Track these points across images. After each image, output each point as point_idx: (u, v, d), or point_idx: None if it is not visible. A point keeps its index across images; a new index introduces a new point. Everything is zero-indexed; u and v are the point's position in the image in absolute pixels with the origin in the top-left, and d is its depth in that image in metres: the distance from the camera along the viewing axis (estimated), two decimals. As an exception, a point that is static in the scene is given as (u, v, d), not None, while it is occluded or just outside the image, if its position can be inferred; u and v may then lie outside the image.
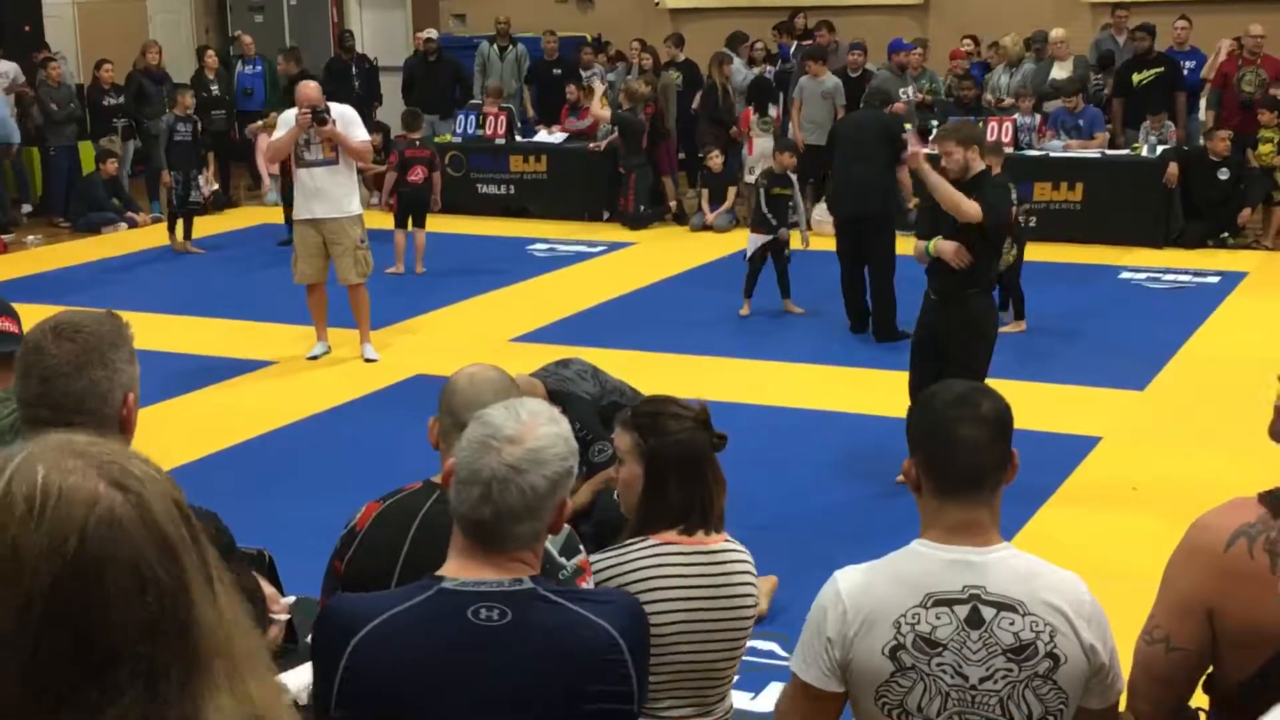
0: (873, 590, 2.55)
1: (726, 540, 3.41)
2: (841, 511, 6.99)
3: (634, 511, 3.40)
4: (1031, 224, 13.24)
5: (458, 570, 2.36)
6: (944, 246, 6.99)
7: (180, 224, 13.68)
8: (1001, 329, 10.12)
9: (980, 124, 13.83)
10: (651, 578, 3.26)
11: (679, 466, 3.35)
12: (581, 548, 3.05)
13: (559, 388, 6.45)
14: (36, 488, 1.40)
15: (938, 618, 2.49)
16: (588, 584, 2.99)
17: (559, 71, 16.75)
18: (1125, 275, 12.06)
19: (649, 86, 14.91)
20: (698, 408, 3.48)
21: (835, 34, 16.35)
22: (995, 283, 7.52)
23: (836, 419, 8.39)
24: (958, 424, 2.55)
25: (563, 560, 2.95)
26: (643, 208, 14.50)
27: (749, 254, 10.91)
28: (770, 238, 10.74)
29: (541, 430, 2.37)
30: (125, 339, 2.69)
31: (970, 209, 6.85)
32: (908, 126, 13.82)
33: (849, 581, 2.59)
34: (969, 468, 2.54)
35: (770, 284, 10.83)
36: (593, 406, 6.49)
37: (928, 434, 2.59)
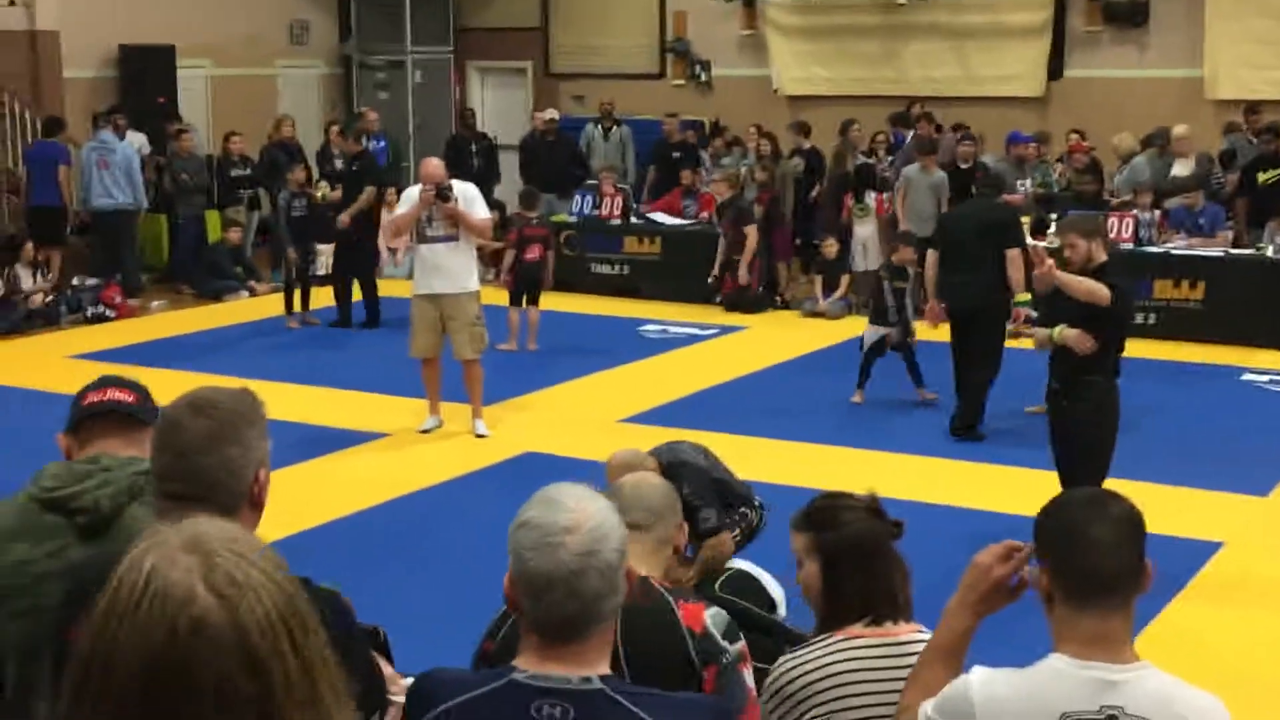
0: (1006, 703, 2.47)
1: (918, 630, 3.34)
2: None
3: (818, 610, 3.39)
4: (1151, 321, 13.05)
5: (531, 662, 2.34)
6: (1069, 334, 7.06)
7: (298, 296, 13.90)
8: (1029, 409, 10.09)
9: (1101, 218, 13.72)
10: (839, 673, 3.21)
11: (857, 558, 3.32)
12: (741, 635, 3.03)
13: (671, 458, 6.49)
14: (142, 578, 1.45)
15: (1073, 738, 2.41)
16: (748, 671, 2.98)
17: (679, 155, 16.89)
18: (1248, 377, 11.80)
19: (766, 172, 14.99)
20: (868, 498, 3.46)
21: (937, 126, 16.29)
22: (1117, 371, 7.42)
23: (950, 513, 8.26)
24: (1090, 525, 2.49)
25: (725, 644, 2.95)
26: (760, 288, 14.50)
27: (866, 345, 10.87)
28: (888, 329, 10.72)
29: (590, 509, 2.35)
30: (260, 415, 2.72)
31: (1103, 292, 7.00)
32: (1025, 219, 13.76)
33: (982, 686, 2.51)
34: (1103, 571, 2.47)
35: (883, 374, 10.76)
36: (705, 476, 6.51)
37: (1060, 536, 2.52)
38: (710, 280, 14.39)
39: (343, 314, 13.75)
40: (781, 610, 6.29)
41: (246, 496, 2.62)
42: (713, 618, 2.94)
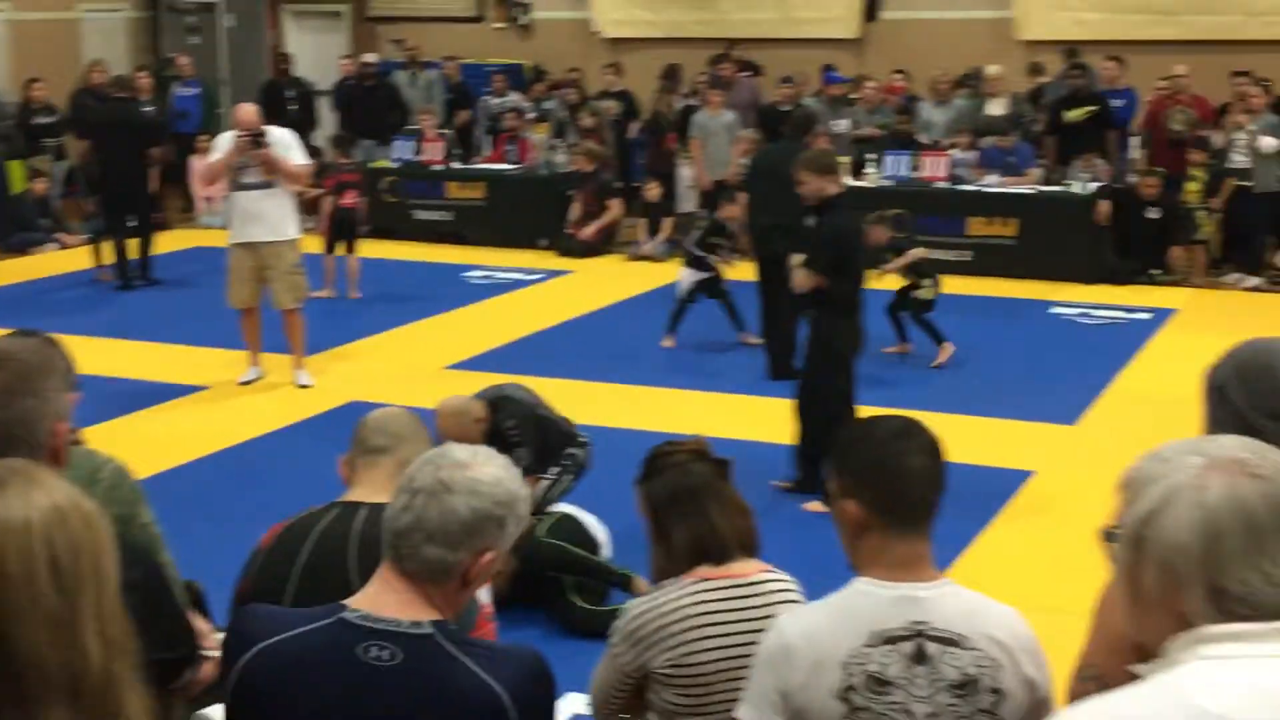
0: (819, 633, 2.53)
1: (767, 570, 3.37)
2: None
3: (653, 559, 3.40)
4: (967, 259, 13.39)
5: (365, 601, 2.32)
6: (797, 273, 7.42)
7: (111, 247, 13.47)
8: (935, 362, 10.32)
9: (914, 157, 14.04)
10: (690, 615, 3.23)
11: (680, 503, 3.34)
12: (479, 594, 2.96)
13: (495, 394, 6.56)
14: None
15: (885, 656, 2.49)
16: (485, 590, 2.90)
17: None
18: (1057, 310, 12.20)
19: (603, 145, 15.01)
20: (693, 441, 3.47)
21: (752, 68, 16.45)
22: (855, 307, 7.59)
23: (769, 449, 8.40)
24: (904, 456, 2.55)
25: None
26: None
27: (682, 291, 10.94)
28: (705, 276, 10.80)
29: (491, 468, 2.35)
30: (58, 366, 2.64)
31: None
32: (843, 160, 13.98)
33: (796, 626, 2.56)
34: (916, 498, 2.54)
35: (697, 318, 10.86)
36: (529, 411, 6.58)
37: (875, 468, 2.56)
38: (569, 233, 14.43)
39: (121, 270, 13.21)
40: (605, 551, 6.37)
41: (45, 449, 2.54)
42: None
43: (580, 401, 8.59)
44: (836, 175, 7.54)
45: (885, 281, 10.32)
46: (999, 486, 7.73)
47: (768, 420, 9.05)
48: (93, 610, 1.62)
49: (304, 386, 9.72)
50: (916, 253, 10.48)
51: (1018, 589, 6.10)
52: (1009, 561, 6.81)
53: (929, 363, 10.35)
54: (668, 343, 10.86)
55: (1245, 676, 1.65)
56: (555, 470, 6.57)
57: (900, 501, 2.54)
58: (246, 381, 9.82)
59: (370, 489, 3.13)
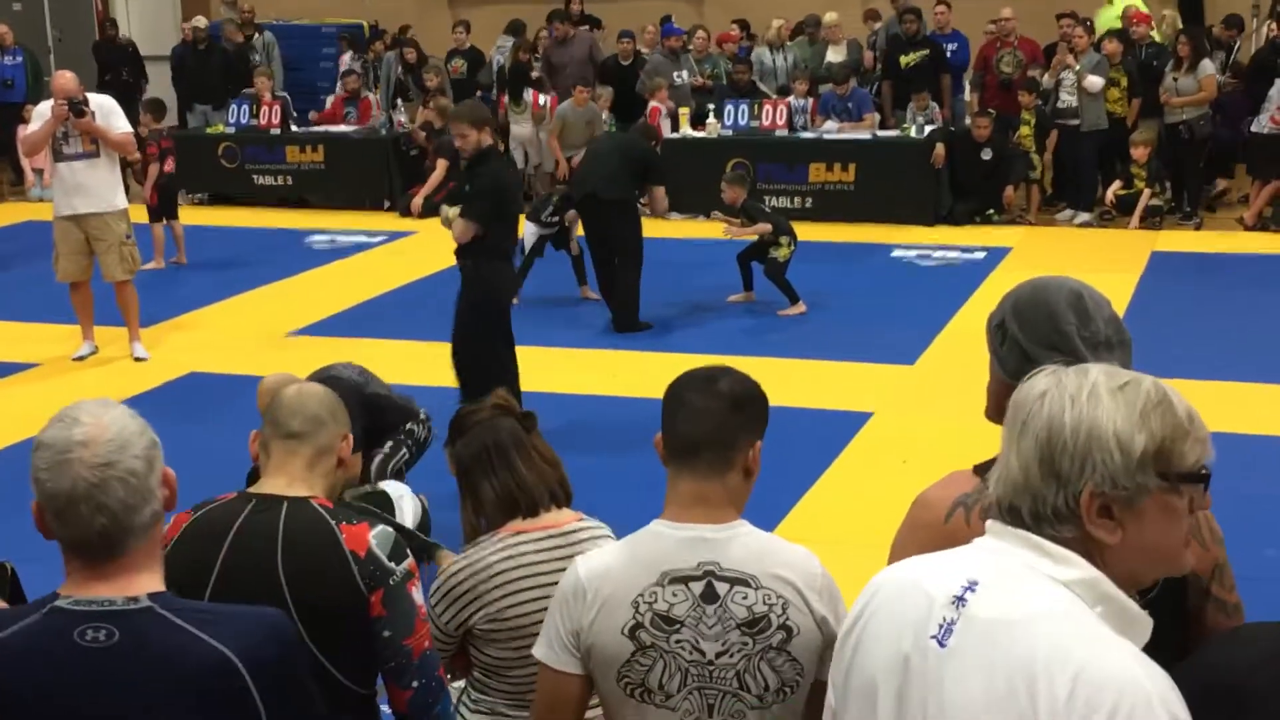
0: (611, 573, 2.58)
1: (580, 519, 3.38)
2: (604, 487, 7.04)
3: (465, 520, 3.39)
4: (807, 205, 13.55)
5: (74, 587, 2.26)
6: (456, 223, 7.50)
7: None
8: (783, 312, 10.45)
9: (758, 105, 14.13)
10: (505, 569, 3.24)
11: (480, 461, 3.34)
12: (409, 552, 2.92)
13: (322, 375, 6.42)
14: None
15: (674, 595, 2.54)
16: (416, 589, 2.88)
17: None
18: (897, 254, 12.40)
19: (448, 99, 14.82)
20: (496, 398, 3.47)
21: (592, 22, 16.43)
22: (508, 254, 7.84)
23: (615, 402, 8.45)
24: (687, 391, 2.63)
25: (391, 564, 2.84)
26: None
27: (526, 246, 10.90)
28: (548, 230, 10.79)
29: (106, 419, 2.27)
30: None
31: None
32: (684, 110, 14.04)
33: (588, 566, 2.62)
34: (687, 435, 2.59)
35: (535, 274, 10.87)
36: (357, 393, 6.44)
37: (666, 402, 2.66)
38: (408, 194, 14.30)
39: None
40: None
41: None
42: (377, 538, 2.84)
43: (425, 363, 8.56)
44: (491, 126, 7.70)
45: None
46: (840, 429, 7.86)
47: (621, 373, 9.11)
48: None
49: (140, 359, 9.52)
50: (762, 228, 10.47)
51: (857, 528, 6.22)
52: (849, 501, 6.92)
53: (775, 310, 10.46)
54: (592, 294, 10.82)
55: None
56: (389, 445, 6.43)
57: (680, 439, 2.60)
58: (80, 357, 9.59)
59: (287, 479, 2.96)
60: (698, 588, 2.54)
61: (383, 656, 2.86)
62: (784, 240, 10.45)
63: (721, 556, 2.55)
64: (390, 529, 2.89)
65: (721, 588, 2.54)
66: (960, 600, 1.84)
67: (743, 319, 10.35)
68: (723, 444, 2.58)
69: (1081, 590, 1.81)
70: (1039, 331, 2.47)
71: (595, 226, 10.25)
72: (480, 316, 7.64)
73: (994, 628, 1.80)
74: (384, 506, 6.18)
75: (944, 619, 1.84)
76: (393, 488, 6.27)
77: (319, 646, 2.77)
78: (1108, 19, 14.72)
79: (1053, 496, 1.82)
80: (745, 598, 2.53)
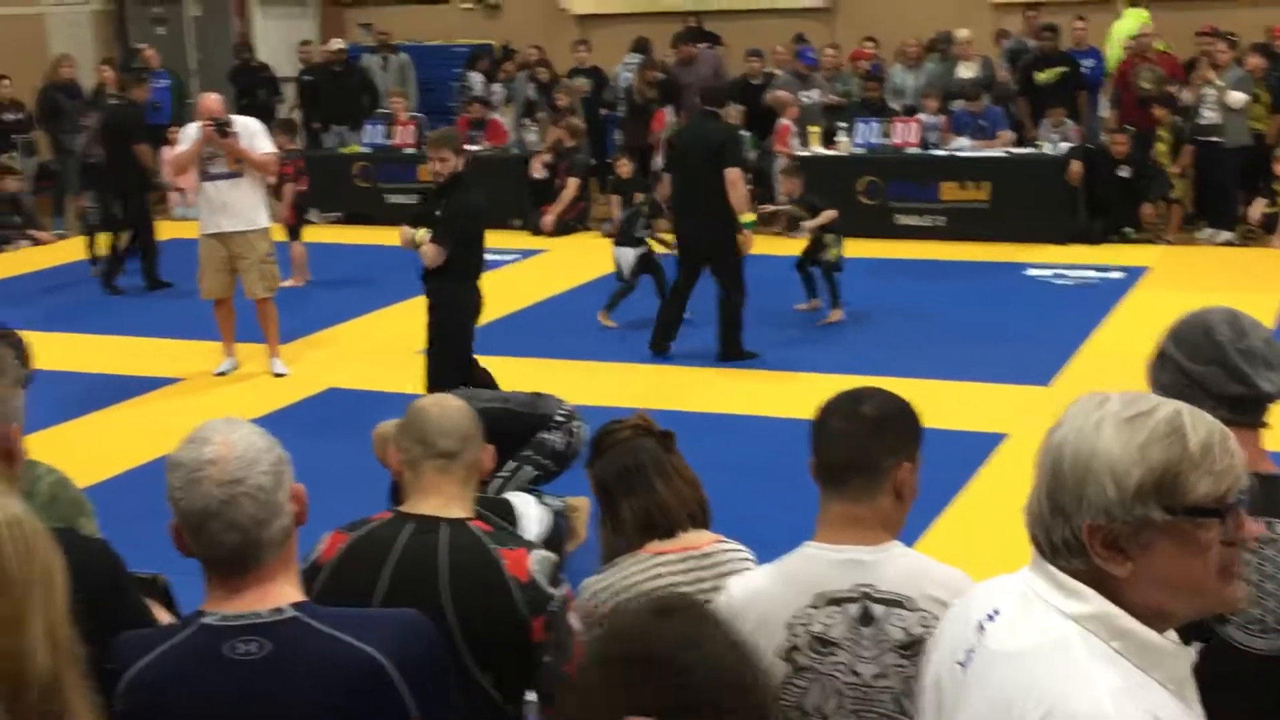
0: (765, 594, 2.57)
1: (720, 541, 3.37)
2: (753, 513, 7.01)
3: (604, 538, 3.41)
4: (939, 223, 13.43)
5: (217, 603, 2.32)
6: (426, 248, 7.86)
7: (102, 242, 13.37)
8: (822, 321, 10.51)
9: (889, 123, 14.04)
10: (644, 591, 3.23)
11: (620, 481, 3.35)
12: (564, 578, 2.93)
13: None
14: None
15: (829, 617, 2.53)
16: (573, 615, 2.89)
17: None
18: (1031, 272, 12.22)
19: (578, 118, 14.95)
20: (635, 418, 3.47)
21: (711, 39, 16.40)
22: (477, 273, 8.16)
23: (740, 421, 8.43)
24: (832, 415, 2.63)
25: (551, 590, 2.84)
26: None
27: (629, 270, 10.87)
28: (640, 249, 10.83)
29: (234, 438, 2.33)
30: (10, 368, 2.62)
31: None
32: (814, 129, 13.99)
33: (742, 587, 2.62)
34: (833, 459, 2.59)
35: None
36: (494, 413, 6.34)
37: (815, 424, 2.66)
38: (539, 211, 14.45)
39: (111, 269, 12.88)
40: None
41: None
42: (537, 563, 2.85)
43: (557, 380, 8.61)
44: (465, 151, 8.09)
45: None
46: (973, 450, 7.75)
47: (738, 392, 9.09)
48: (41, 613, 1.63)
49: (280, 375, 9.72)
50: (829, 214, 10.60)
51: (992, 553, 6.12)
52: (983, 525, 6.82)
53: (862, 324, 10.41)
54: (609, 322, 10.78)
55: None
56: (510, 467, 6.29)
57: (827, 463, 2.61)
58: (222, 372, 9.81)
59: (442, 499, 2.94)
60: (853, 610, 2.53)
61: (541, 680, 2.87)
62: (831, 239, 10.57)
63: (876, 578, 2.54)
64: (547, 554, 2.90)
65: (877, 610, 2.53)
66: (981, 628, 1.86)
67: (873, 338, 10.25)
68: (868, 468, 2.57)
69: (1092, 625, 1.76)
70: (1195, 347, 2.50)
71: (692, 268, 9.85)
72: (450, 336, 8.07)
73: (995, 659, 1.80)
74: (505, 516, 6.15)
75: (969, 645, 1.86)
76: (517, 498, 6.25)
77: (479, 665, 2.80)
78: (1123, 31, 14.51)
79: (1059, 529, 1.80)
80: (901, 619, 2.52)
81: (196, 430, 2.37)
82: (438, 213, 7.93)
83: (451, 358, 8.01)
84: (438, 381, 7.80)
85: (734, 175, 9.42)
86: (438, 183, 8.00)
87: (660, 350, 9.84)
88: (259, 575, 2.30)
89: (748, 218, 9.55)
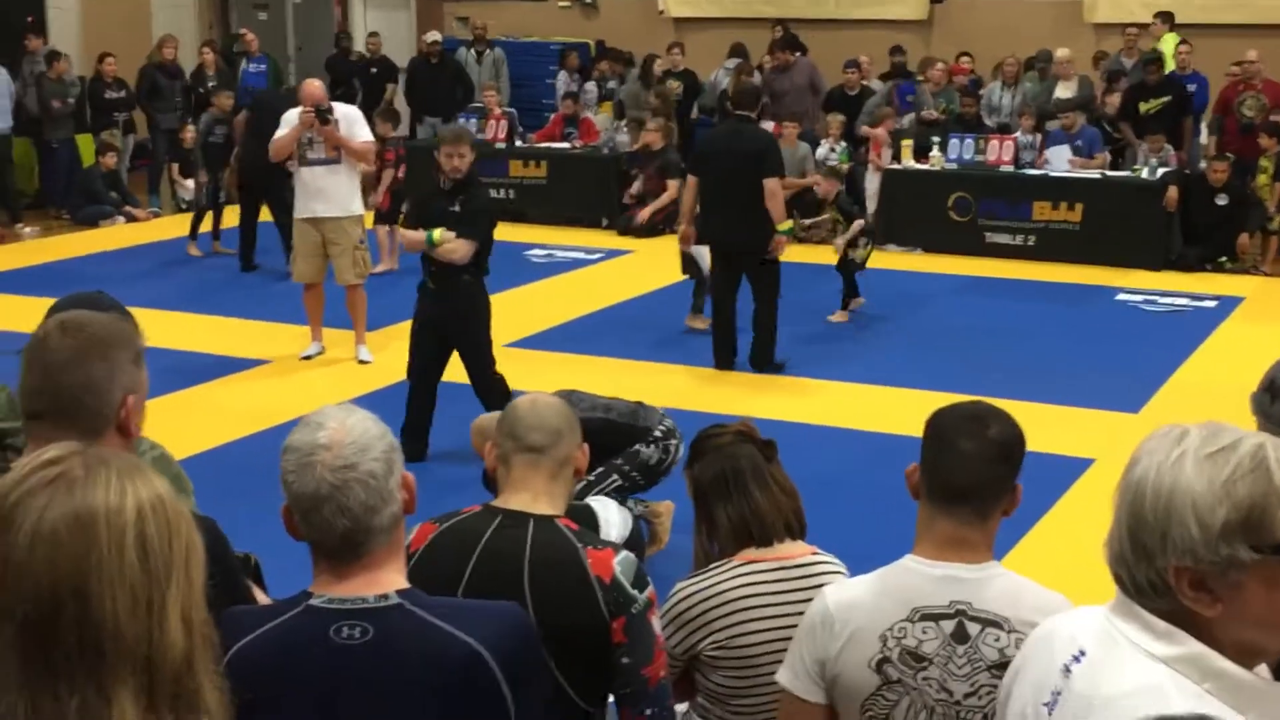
0: (860, 604, 2.56)
1: (815, 553, 3.35)
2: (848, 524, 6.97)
3: (697, 543, 3.39)
4: (1030, 243, 13.29)
5: (324, 585, 2.33)
6: (451, 244, 7.80)
7: (209, 220, 13.54)
8: (831, 317, 10.66)
9: (980, 141, 13.90)
10: (737, 598, 3.22)
11: (718, 486, 3.33)
12: (649, 580, 2.91)
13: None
14: None
15: (924, 632, 2.50)
16: (655, 618, 2.88)
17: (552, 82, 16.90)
18: (1122, 297, 12.06)
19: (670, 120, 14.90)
20: (738, 424, 3.45)
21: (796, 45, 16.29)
22: (485, 270, 8.19)
23: (830, 433, 8.39)
24: (957, 435, 2.58)
25: (634, 592, 2.82)
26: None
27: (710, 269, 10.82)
28: None
29: (349, 423, 2.34)
30: (132, 341, 2.64)
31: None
32: (907, 142, 13.86)
33: (837, 596, 2.60)
34: (954, 482, 2.55)
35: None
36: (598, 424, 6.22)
37: (933, 441, 2.62)
38: (626, 214, 14.40)
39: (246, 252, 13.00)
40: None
41: (112, 420, 2.53)
42: (621, 565, 2.83)
43: (640, 383, 8.62)
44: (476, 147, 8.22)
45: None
46: (1060, 474, 7.67)
47: (827, 402, 9.04)
48: (179, 595, 1.64)
49: (364, 362, 9.79)
50: (858, 225, 10.82)
51: (1076, 576, 6.05)
52: (1067, 550, 6.74)
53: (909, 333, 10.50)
54: (700, 323, 10.52)
55: None
56: (598, 472, 6.20)
57: (945, 485, 2.56)
58: (308, 356, 9.90)
59: (531, 495, 2.94)
60: (948, 626, 2.50)
61: (619, 682, 2.86)
62: (863, 241, 10.75)
63: (974, 597, 2.51)
64: (632, 555, 2.89)
65: (973, 628, 2.50)
66: (1067, 670, 1.80)
67: (959, 355, 10.15)
68: (992, 494, 2.54)
69: (1183, 668, 1.70)
70: None
71: (729, 270, 9.72)
72: (483, 331, 8.14)
73: (1081, 704, 1.74)
74: (587, 522, 6.12)
75: (1055, 686, 1.81)
76: (598, 503, 6.21)
77: (556, 663, 2.79)
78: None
79: (1143, 570, 1.73)
80: (997, 640, 2.49)
81: (311, 414, 2.39)
82: (453, 209, 7.87)
83: (486, 351, 8.15)
84: (489, 378, 8.07)
85: (773, 185, 9.28)
86: (454, 179, 7.92)
87: (726, 367, 9.70)
88: (367, 561, 2.32)
89: (784, 225, 9.46)
